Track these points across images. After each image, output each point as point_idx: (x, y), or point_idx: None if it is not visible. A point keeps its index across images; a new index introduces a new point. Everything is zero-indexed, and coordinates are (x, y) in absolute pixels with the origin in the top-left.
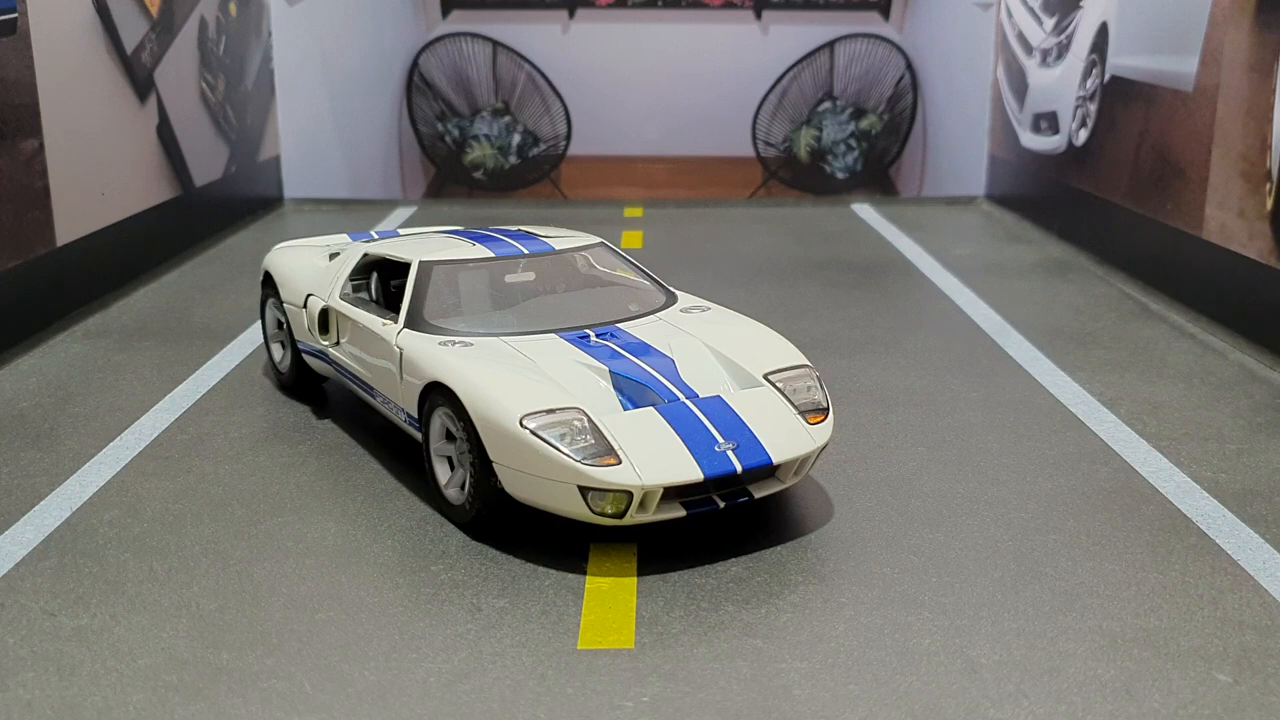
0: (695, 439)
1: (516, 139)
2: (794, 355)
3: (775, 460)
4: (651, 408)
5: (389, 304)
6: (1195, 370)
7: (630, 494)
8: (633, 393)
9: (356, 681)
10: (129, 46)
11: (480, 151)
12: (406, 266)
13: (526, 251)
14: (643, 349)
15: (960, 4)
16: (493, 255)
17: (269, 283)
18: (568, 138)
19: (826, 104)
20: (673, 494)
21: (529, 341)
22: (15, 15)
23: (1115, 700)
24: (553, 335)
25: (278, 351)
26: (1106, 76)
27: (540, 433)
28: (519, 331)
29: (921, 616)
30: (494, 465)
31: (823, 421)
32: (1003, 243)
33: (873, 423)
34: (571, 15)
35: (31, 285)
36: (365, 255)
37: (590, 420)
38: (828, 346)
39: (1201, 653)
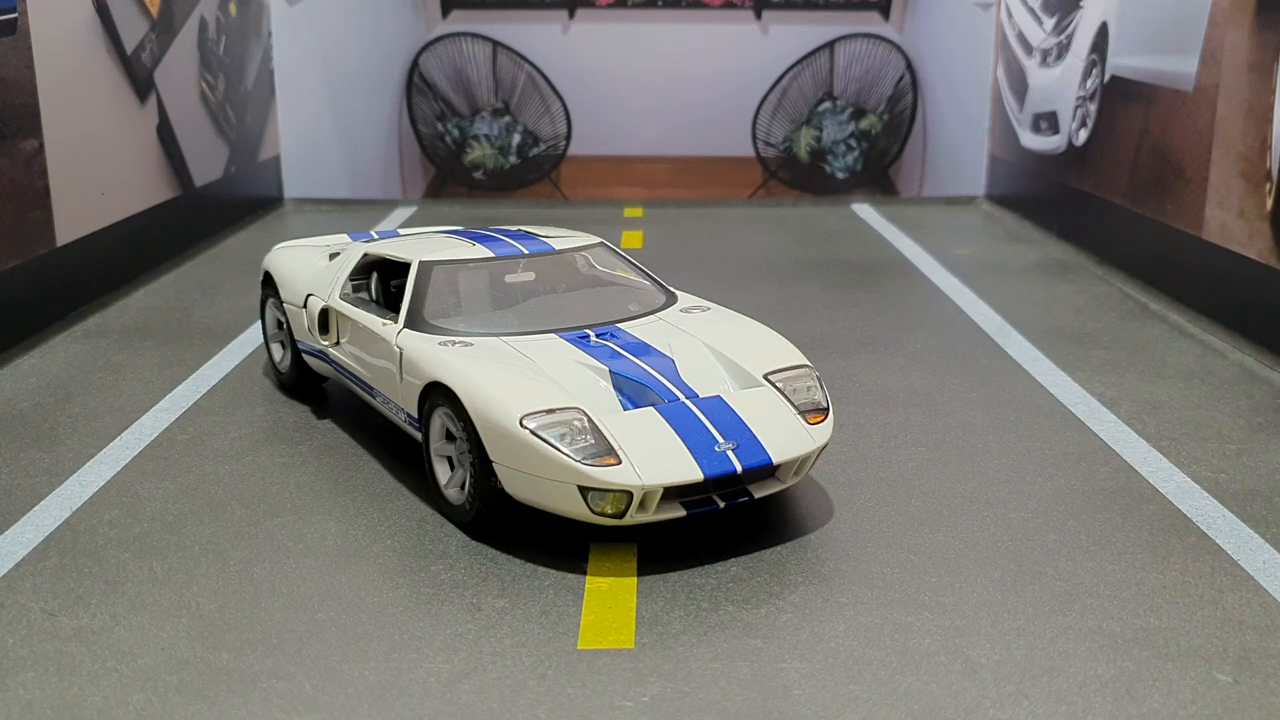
0: (695, 439)
1: (516, 139)
2: (794, 355)
3: (775, 460)
4: (651, 408)
5: (389, 304)
6: (1195, 370)
7: (630, 494)
8: (633, 393)
9: (356, 681)
10: (129, 46)
11: (480, 151)
12: (406, 266)
13: (526, 251)
14: (643, 349)
15: (960, 4)
16: (493, 255)
17: (269, 283)
18: (568, 138)
19: (826, 104)
20: (673, 494)
21: (529, 341)
22: (15, 15)
23: (1115, 700)
24: (553, 335)
25: (278, 351)
26: (1106, 76)
27: (540, 433)
28: (519, 331)
29: (921, 616)
30: (494, 465)
31: (823, 421)
32: (1003, 243)
33: (873, 423)
34: (571, 15)
35: (31, 285)
36: (365, 255)
37: (590, 420)
38: (828, 346)
39: (1201, 653)
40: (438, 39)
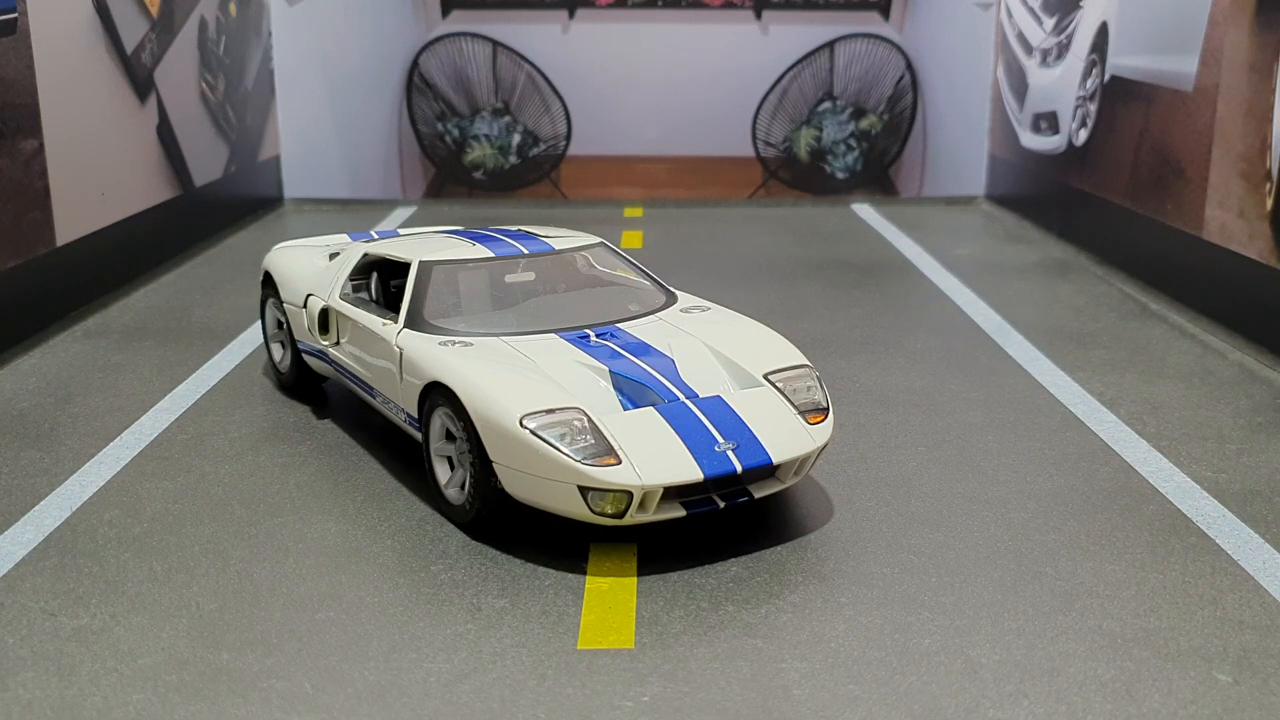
0: (695, 439)
1: (516, 139)
2: (794, 355)
3: (775, 460)
4: (651, 408)
5: (389, 304)
6: (1195, 370)
7: (630, 494)
8: (633, 393)
9: (356, 681)
10: (129, 46)
11: (480, 151)
12: (406, 266)
13: (526, 251)
14: (643, 349)
15: (960, 4)
16: (493, 255)
17: (269, 283)
18: (568, 138)
19: (826, 104)
20: (673, 494)
21: (529, 341)
22: (15, 15)
23: (1115, 700)
24: (553, 335)
25: (278, 351)
26: (1106, 76)
27: (540, 433)
28: (519, 331)
29: (921, 616)
30: (494, 465)
31: (823, 421)
32: (1003, 243)
33: (873, 423)
34: (571, 15)
35: (31, 285)
36: (365, 255)
37: (590, 420)
38: (828, 346)
39: (1201, 653)
40: (438, 39)
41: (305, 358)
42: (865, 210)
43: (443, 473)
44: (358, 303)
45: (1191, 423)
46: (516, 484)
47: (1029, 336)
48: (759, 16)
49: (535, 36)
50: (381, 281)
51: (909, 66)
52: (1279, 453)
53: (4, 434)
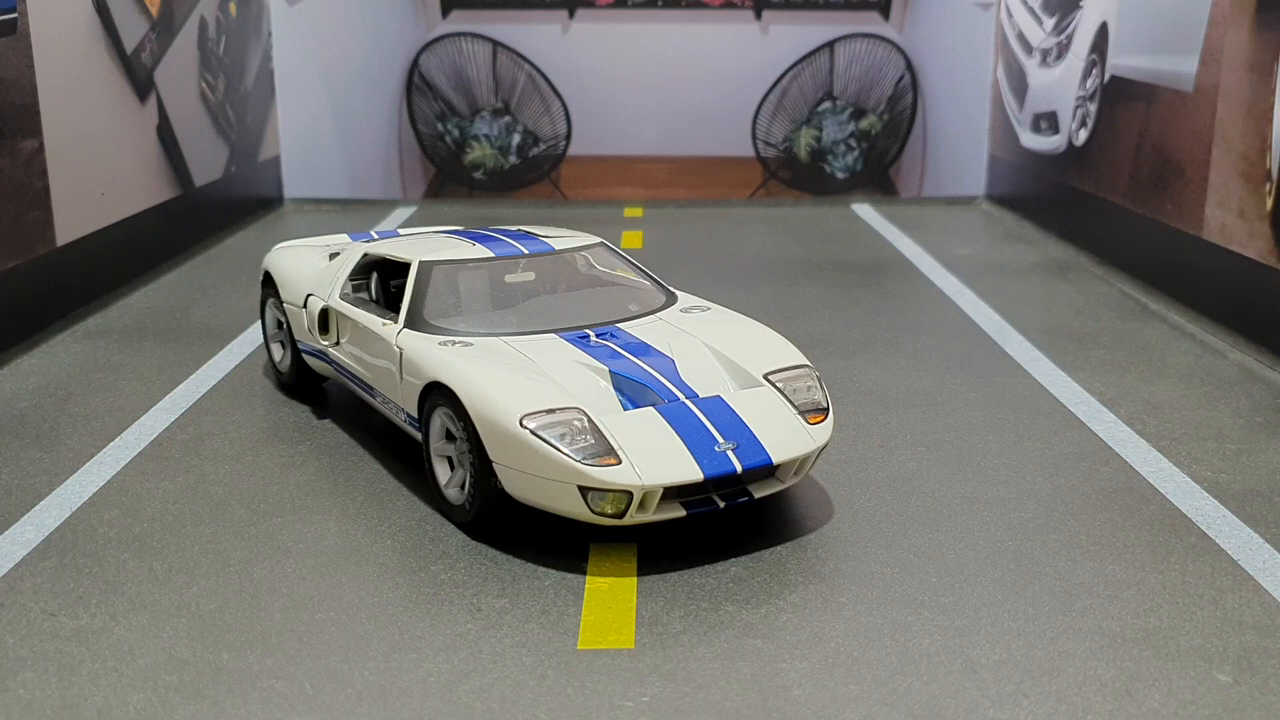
0: (695, 439)
1: (516, 139)
2: (794, 355)
3: (775, 460)
4: (651, 408)
5: (389, 304)
6: (1195, 370)
7: (630, 494)
8: (633, 393)
9: (356, 681)
10: (129, 46)
11: (480, 151)
12: (406, 266)
13: (526, 251)
14: (643, 349)
15: (960, 4)
16: (493, 255)
17: (269, 283)
18: (568, 138)
19: (826, 104)
20: (673, 494)
21: (529, 341)
22: (15, 15)
23: (1115, 700)
24: (553, 335)
25: (278, 351)
26: (1106, 76)
27: (540, 433)
28: (519, 331)
29: (921, 616)
30: (494, 465)
31: (823, 421)
32: (1003, 243)
33: (873, 423)
34: (571, 15)
35: (31, 285)
36: (365, 255)
37: (590, 420)
38: (828, 346)
39: (1201, 653)
40: (438, 39)
41: (305, 358)
42: (865, 210)
43: (443, 473)
44: (358, 303)
45: (1191, 423)
46: (516, 484)
47: (1029, 336)
48: (759, 16)
49: (535, 36)
50: (381, 281)
51: (909, 66)
52: (1279, 453)
53: (4, 434)
